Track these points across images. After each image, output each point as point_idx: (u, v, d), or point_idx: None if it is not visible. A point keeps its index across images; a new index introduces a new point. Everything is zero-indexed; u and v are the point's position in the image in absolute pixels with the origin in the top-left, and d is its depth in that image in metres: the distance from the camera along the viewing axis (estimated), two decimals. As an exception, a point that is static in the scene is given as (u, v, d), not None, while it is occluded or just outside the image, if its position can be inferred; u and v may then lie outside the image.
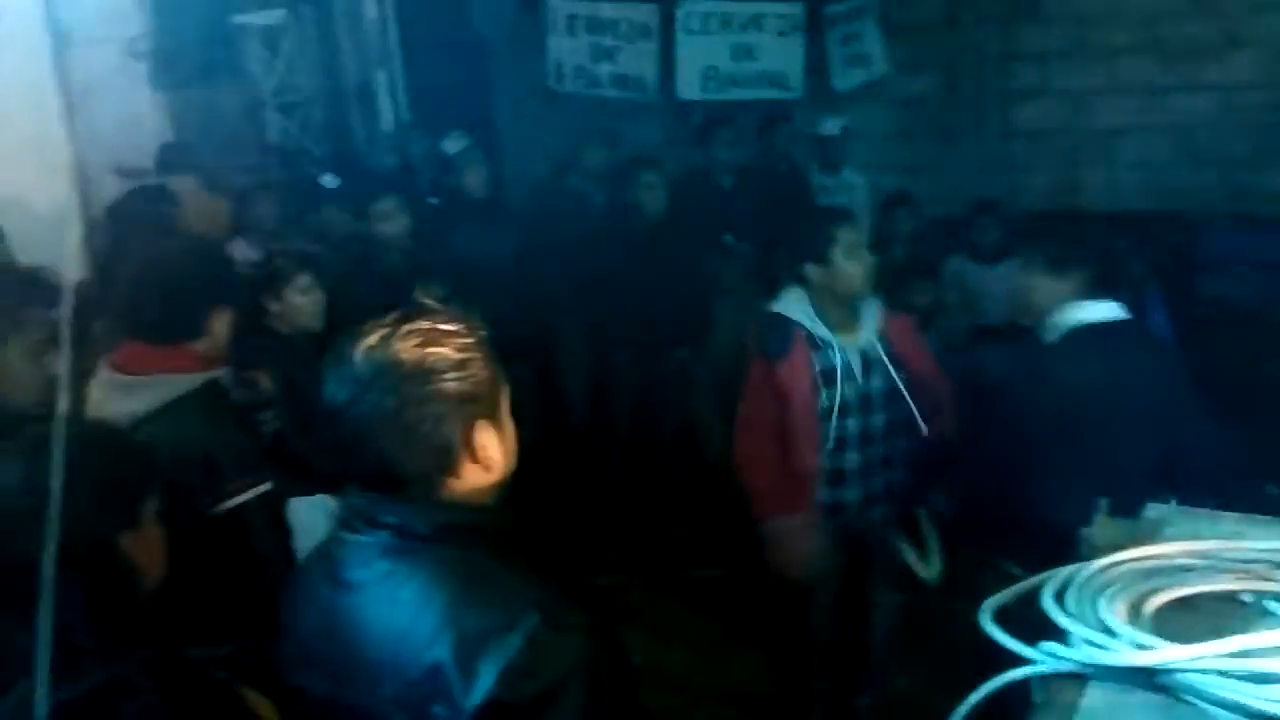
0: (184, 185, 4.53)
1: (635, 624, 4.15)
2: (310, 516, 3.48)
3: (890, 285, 4.95)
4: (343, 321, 3.75)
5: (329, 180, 5.19)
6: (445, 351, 1.53)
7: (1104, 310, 2.92)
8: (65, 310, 2.41)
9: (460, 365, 1.53)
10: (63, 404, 2.60)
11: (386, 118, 6.31)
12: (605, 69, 6.16)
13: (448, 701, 1.41)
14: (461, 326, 1.58)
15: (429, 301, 1.63)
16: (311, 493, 3.53)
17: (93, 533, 1.68)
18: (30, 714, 1.53)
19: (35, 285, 2.35)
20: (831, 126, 5.99)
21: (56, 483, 1.24)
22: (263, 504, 2.72)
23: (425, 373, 1.51)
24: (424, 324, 1.55)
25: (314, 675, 1.56)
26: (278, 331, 3.53)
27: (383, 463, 1.52)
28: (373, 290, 4.17)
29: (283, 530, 2.88)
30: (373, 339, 1.54)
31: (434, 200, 5.52)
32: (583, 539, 4.58)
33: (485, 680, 1.39)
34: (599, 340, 5.11)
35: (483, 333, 1.60)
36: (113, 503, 1.76)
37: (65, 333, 2.33)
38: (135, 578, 1.79)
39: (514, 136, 7.15)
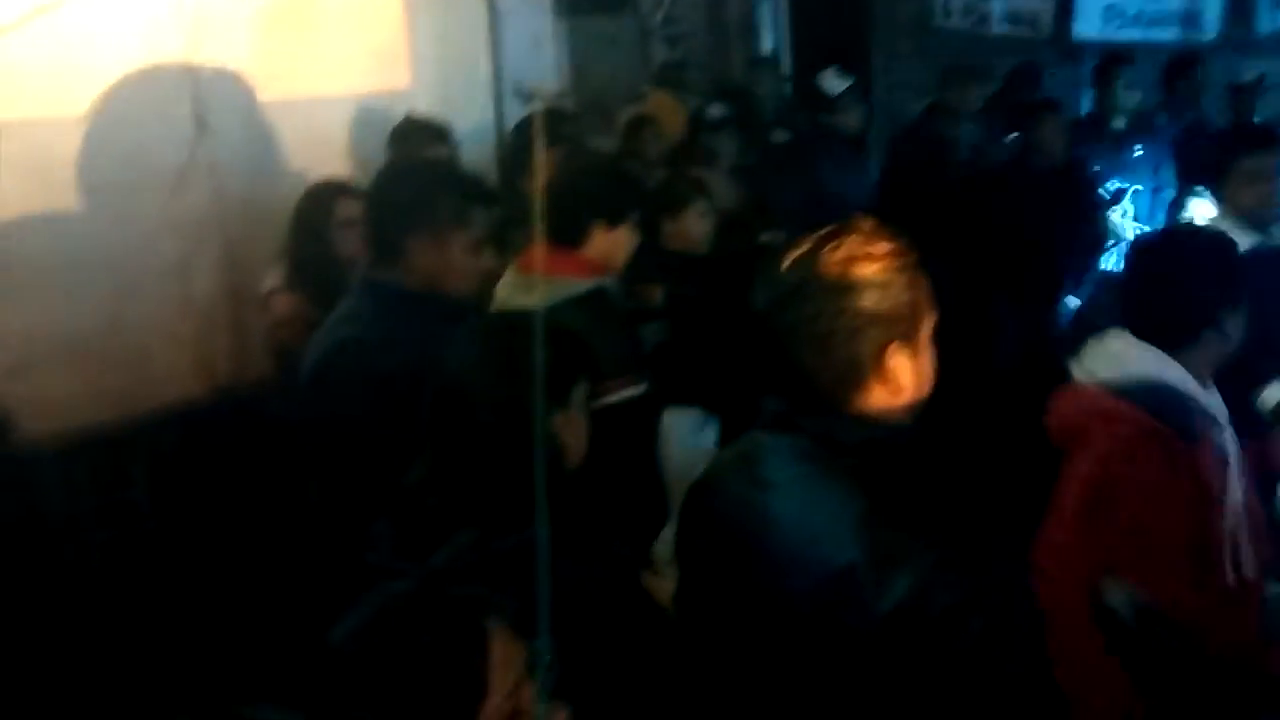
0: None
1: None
2: (680, 427, 3.67)
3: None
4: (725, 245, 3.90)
5: (715, 110, 5.30)
6: (869, 269, 1.55)
7: None
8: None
9: (882, 285, 1.54)
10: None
11: (768, 50, 6.36)
12: (997, 5, 5.91)
13: (857, 604, 1.45)
14: (891, 247, 1.59)
15: (864, 220, 1.64)
16: (684, 405, 3.71)
17: (529, 410, 1.84)
18: (465, 559, 1.73)
19: (477, 186, 2.58)
20: (1247, 72, 5.45)
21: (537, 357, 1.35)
22: (634, 408, 2.86)
23: (844, 287, 1.53)
24: (854, 240, 1.58)
25: (724, 563, 1.66)
26: (668, 250, 3.68)
27: (797, 371, 1.57)
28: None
29: (651, 436, 3.03)
30: (802, 250, 1.58)
31: (781, 136, 5.50)
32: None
33: (898, 590, 1.42)
34: (974, 286, 4.96)
35: (913, 256, 1.60)
36: (548, 382, 1.92)
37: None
38: (560, 456, 1.95)
39: (889, 73, 7.01)
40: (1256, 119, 5.41)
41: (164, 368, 3.40)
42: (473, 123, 4.15)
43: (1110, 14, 5.65)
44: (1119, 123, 5.37)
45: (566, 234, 2.84)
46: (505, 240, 3.24)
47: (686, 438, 3.65)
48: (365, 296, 2.40)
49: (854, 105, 5.11)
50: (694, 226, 3.67)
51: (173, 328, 3.42)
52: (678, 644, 1.79)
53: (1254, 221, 3.21)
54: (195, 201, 3.43)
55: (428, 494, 1.84)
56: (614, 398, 2.74)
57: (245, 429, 3.46)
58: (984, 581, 1.48)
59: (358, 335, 2.32)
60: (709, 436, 3.75)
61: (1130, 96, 5.38)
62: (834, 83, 5.29)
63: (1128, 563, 2.20)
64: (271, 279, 3.54)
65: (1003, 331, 4.81)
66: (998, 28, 5.93)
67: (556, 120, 4.47)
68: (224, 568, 3.51)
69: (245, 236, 3.57)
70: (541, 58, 5.31)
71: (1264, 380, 2.75)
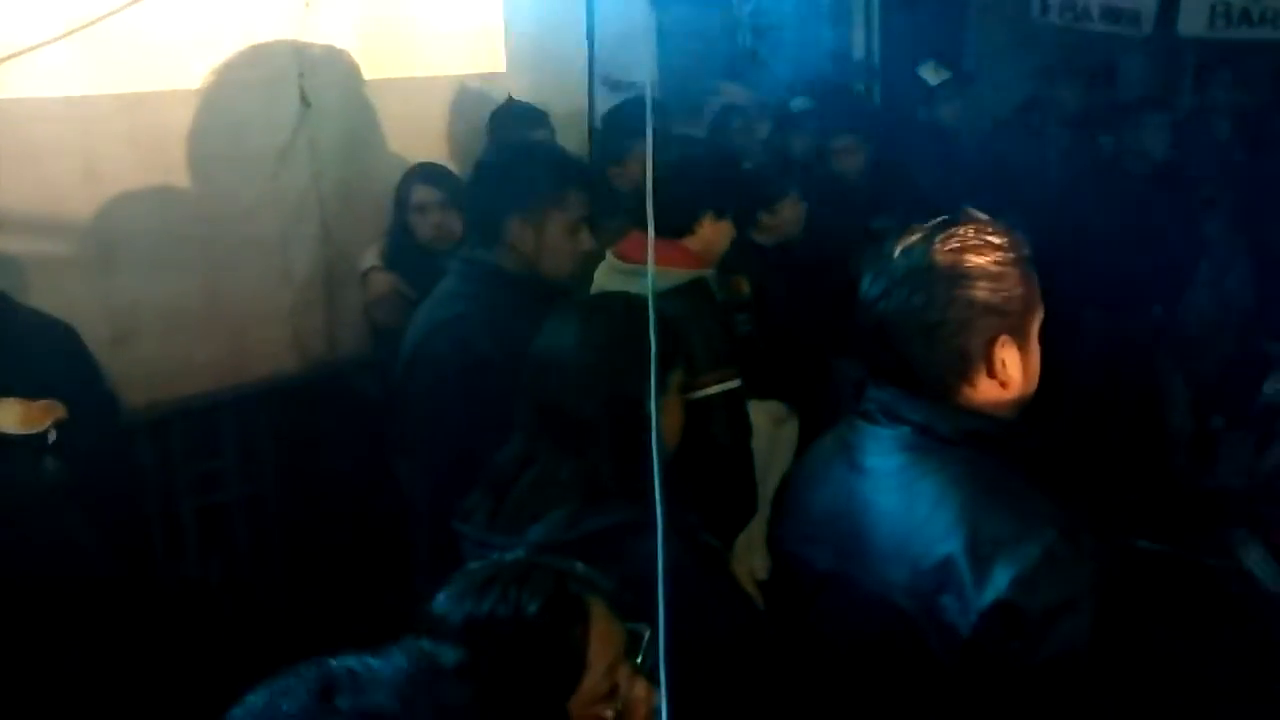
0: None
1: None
2: (762, 420, 3.66)
3: None
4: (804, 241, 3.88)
5: (799, 103, 5.27)
6: (981, 261, 1.54)
7: None
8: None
9: (994, 277, 1.53)
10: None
11: (859, 44, 6.30)
12: (1097, 1, 5.76)
13: (957, 596, 1.44)
14: (1005, 240, 1.58)
15: (976, 211, 1.63)
16: (765, 398, 3.70)
17: (627, 391, 1.85)
18: (559, 536, 1.74)
19: (576, 169, 2.60)
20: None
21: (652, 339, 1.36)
22: (729, 399, 2.87)
23: (956, 277, 1.52)
24: (968, 231, 1.57)
25: (821, 550, 1.66)
26: (756, 241, 3.68)
27: (903, 360, 1.56)
28: (826, 217, 4.23)
29: (745, 425, 3.03)
30: (914, 238, 1.57)
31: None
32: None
33: (999, 582, 1.42)
34: (1064, 290, 4.88)
35: (1026, 251, 1.59)
36: (645, 367, 1.93)
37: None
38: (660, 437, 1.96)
39: (987, 71, 6.90)
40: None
41: (260, 342, 3.47)
42: (565, 109, 4.15)
43: (1217, 10, 5.49)
44: (1223, 125, 5.25)
45: (675, 224, 2.84)
46: (596, 226, 3.26)
47: (768, 431, 3.66)
48: (464, 277, 2.44)
49: (952, 98, 5.05)
50: (789, 218, 3.66)
51: (270, 302, 3.49)
52: (769, 633, 1.79)
53: None
54: (295, 179, 3.49)
55: (523, 470, 1.87)
56: (712, 390, 2.76)
57: (338, 404, 3.53)
58: (1086, 581, 1.46)
59: (459, 313, 2.36)
60: (791, 430, 3.74)
61: (1236, 96, 5.25)
62: (933, 75, 5.23)
63: None
64: (370, 257, 3.61)
65: (1090, 338, 4.73)
66: (1097, 24, 5.79)
67: (645, 110, 4.47)
68: (311, 540, 3.59)
69: (344, 214, 3.63)
70: (631, 47, 5.30)
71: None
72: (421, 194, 3.53)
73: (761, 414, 3.74)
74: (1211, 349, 4.78)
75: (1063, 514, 1.50)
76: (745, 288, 3.33)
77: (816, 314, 3.54)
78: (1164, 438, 4.55)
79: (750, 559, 3.20)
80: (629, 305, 1.92)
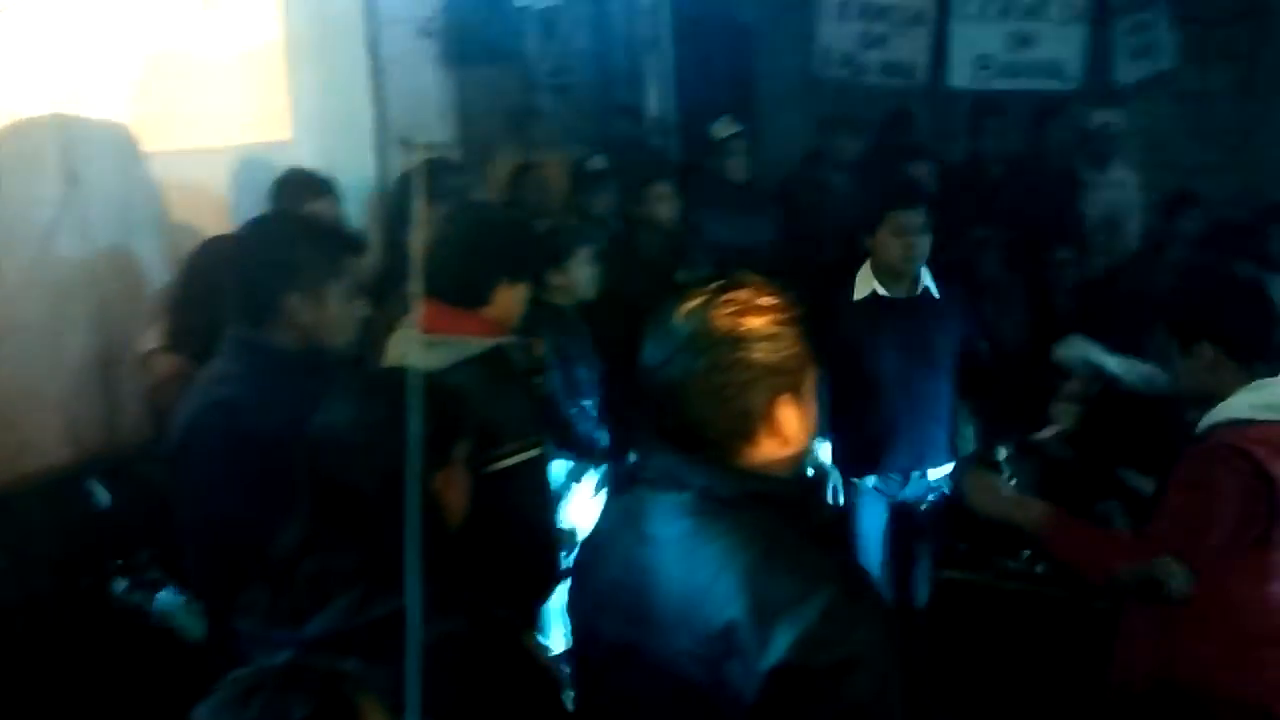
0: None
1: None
2: (560, 480, 3.66)
3: (1168, 295, 4.71)
4: (604, 298, 3.91)
5: (595, 163, 5.35)
6: (758, 322, 1.58)
7: None
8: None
9: (771, 337, 1.58)
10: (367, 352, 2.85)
11: (654, 101, 6.45)
12: (874, 56, 6.08)
13: (742, 661, 1.45)
14: (778, 301, 1.62)
15: (749, 275, 1.67)
16: (566, 457, 3.71)
17: (404, 467, 1.80)
18: (341, 625, 1.68)
19: (348, 237, 2.55)
20: (1098, 119, 5.75)
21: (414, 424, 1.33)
22: (530, 467, 2.85)
23: (736, 340, 1.56)
24: (743, 294, 1.61)
25: (611, 621, 1.65)
26: (550, 302, 3.69)
27: (686, 423, 1.58)
28: (632, 270, 4.29)
29: (544, 494, 3.02)
30: (693, 304, 1.60)
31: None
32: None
33: (780, 644, 1.43)
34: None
35: (798, 311, 1.64)
36: (428, 440, 1.89)
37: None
38: (441, 516, 1.92)
39: (775, 124, 7.17)
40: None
41: (32, 432, 3.26)
42: (356, 174, 4.11)
43: (981, 64, 5.87)
44: (994, 169, 5.59)
45: (470, 294, 2.81)
46: (386, 295, 3.20)
47: (568, 488, 3.66)
48: (235, 357, 2.33)
49: (739, 152, 5.21)
50: (579, 276, 3.68)
51: (40, 391, 3.28)
52: (563, 707, 1.77)
53: None
54: (65, 259, 3.31)
55: (303, 558, 1.79)
56: (513, 459, 2.73)
57: (118, 495, 3.34)
58: (869, 635, 1.49)
59: (229, 396, 2.25)
60: (592, 487, 3.76)
61: (1003, 143, 5.61)
62: (724, 129, 5.40)
63: None
64: (151, 339, 3.44)
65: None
66: (875, 78, 6.10)
67: (442, 172, 4.45)
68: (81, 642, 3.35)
69: (121, 295, 3.46)
70: (427, 108, 5.28)
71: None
72: None
73: (563, 474, 3.75)
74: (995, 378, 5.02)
75: (842, 571, 1.54)
76: (540, 350, 3.33)
77: (620, 372, 3.58)
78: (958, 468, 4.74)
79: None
80: (406, 380, 1.88)
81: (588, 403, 3.78)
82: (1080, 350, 3.48)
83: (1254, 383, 2.50)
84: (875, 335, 3.73)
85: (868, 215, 3.70)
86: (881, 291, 3.73)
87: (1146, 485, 3.88)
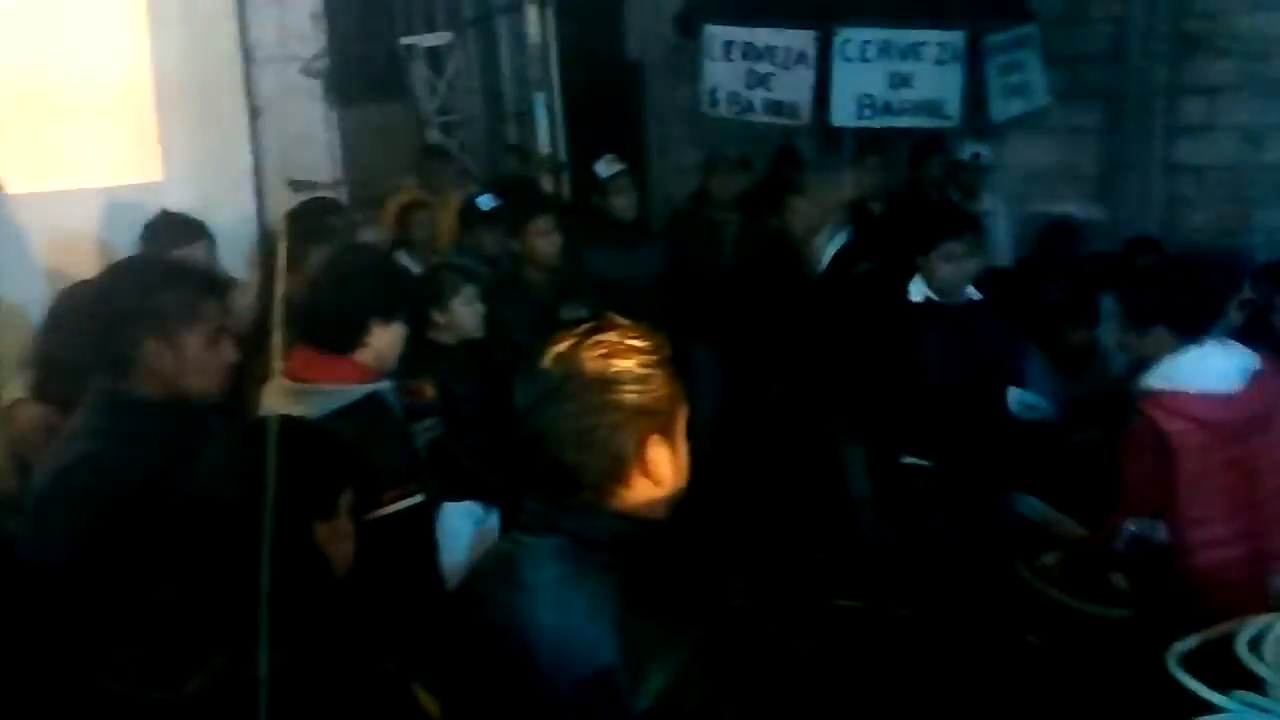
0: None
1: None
2: (457, 522, 3.60)
3: (1046, 321, 4.87)
4: (492, 336, 3.88)
5: (485, 201, 5.33)
6: (628, 364, 1.58)
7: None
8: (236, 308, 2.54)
9: (641, 379, 1.58)
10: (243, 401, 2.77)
11: (544, 139, 6.45)
12: (759, 95, 6.16)
13: (616, 705, 1.45)
14: (647, 343, 1.62)
15: (617, 316, 1.67)
16: (462, 499, 3.65)
17: (291, 519, 1.75)
18: (227, 686, 1.62)
19: (210, 281, 2.47)
20: (968, 152, 5.94)
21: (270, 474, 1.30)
22: (414, 514, 2.80)
23: (607, 382, 1.56)
24: (612, 337, 1.61)
25: (488, 669, 1.62)
26: (437, 342, 3.64)
27: (559, 467, 1.57)
28: (520, 307, 4.26)
29: (429, 540, 2.96)
30: (562, 347, 1.60)
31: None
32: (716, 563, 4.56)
33: (653, 687, 1.44)
34: (738, 367, 5.12)
35: (667, 351, 1.64)
36: (312, 492, 1.84)
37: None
38: (325, 567, 1.87)
39: (664, 161, 7.24)
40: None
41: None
42: (234, 214, 4.01)
43: (862, 104, 6.00)
44: (875, 205, 5.72)
45: (342, 337, 2.76)
46: (263, 342, 3.12)
47: (462, 533, 3.60)
48: (96, 410, 2.23)
49: (626, 190, 5.23)
50: (463, 314, 3.64)
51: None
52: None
53: None
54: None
55: (177, 614, 1.73)
56: (392, 508, 2.68)
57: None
58: (739, 676, 1.50)
59: (90, 452, 2.15)
60: (491, 529, 3.70)
61: (884, 178, 5.75)
62: (606, 168, 5.42)
63: None
64: (15, 389, 3.30)
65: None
66: (761, 115, 6.20)
67: (326, 212, 4.38)
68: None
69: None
70: (313, 148, 5.20)
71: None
72: None
73: (459, 516, 3.69)
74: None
75: (711, 612, 1.54)
76: (430, 392, 3.28)
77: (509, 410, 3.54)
78: (847, 499, 4.80)
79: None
80: (288, 432, 1.82)
81: (477, 443, 3.73)
82: None
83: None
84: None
85: (920, 240, 3.92)
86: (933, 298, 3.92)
87: (1039, 507, 4.03)
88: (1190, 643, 1.34)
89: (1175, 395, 2.94)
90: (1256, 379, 2.96)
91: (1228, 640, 1.34)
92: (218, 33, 4.23)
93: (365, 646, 1.93)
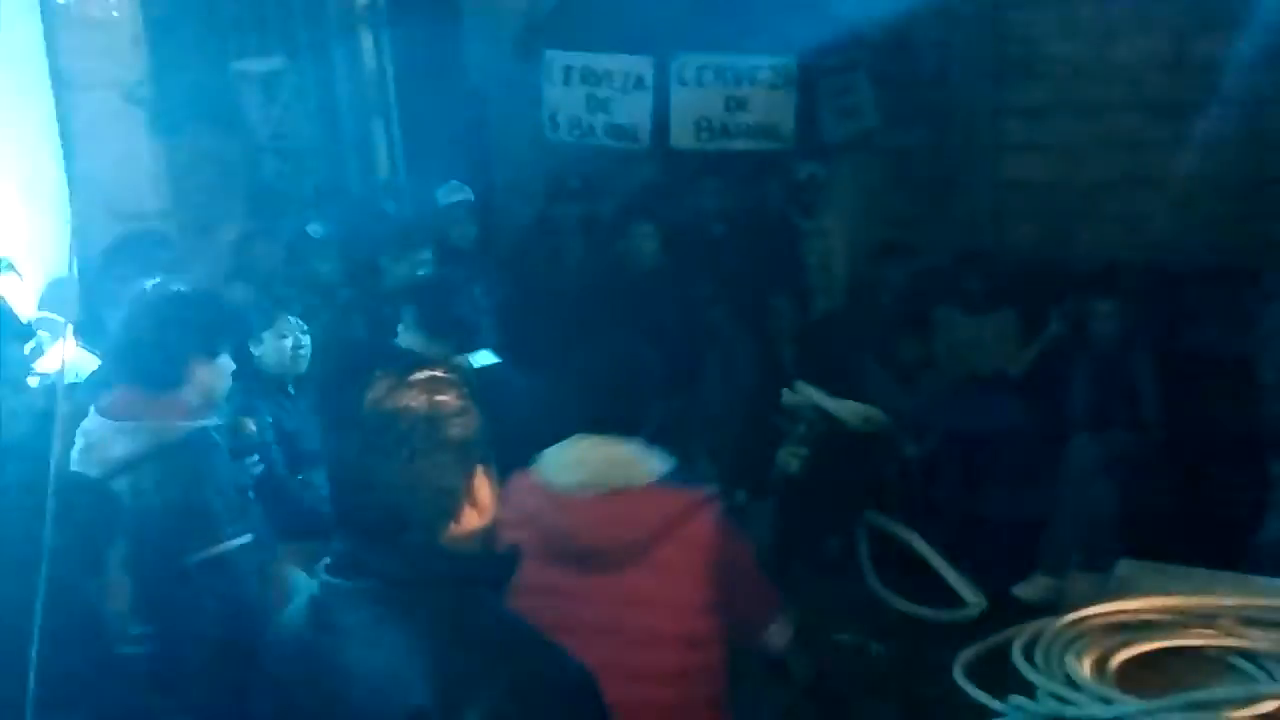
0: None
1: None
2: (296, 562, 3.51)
3: (880, 336, 5.04)
4: (332, 367, 3.81)
5: (315, 229, 5.24)
6: (449, 399, 1.58)
7: None
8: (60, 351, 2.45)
9: (462, 411, 1.59)
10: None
11: (383, 166, 6.36)
12: (600, 119, 6.21)
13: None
14: (457, 374, 1.63)
15: (421, 352, 1.67)
16: (293, 536, 3.56)
17: (58, 577, 1.68)
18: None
19: (10, 321, 2.37)
20: (802, 172, 6.12)
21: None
22: (243, 553, 2.75)
23: (433, 421, 1.55)
24: (425, 374, 1.60)
25: (302, 715, 1.58)
26: (267, 374, 3.56)
27: (387, 510, 1.55)
28: (360, 337, 4.20)
29: (252, 583, 2.89)
30: (379, 391, 1.58)
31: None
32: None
33: (468, 725, 1.41)
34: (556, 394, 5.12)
35: (472, 379, 1.64)
36: (78, 548, 1.78)
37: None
38: (100, 622, 1.81)
39: (508, 186, 7.21)
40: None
41: None
42: (48, 250, 3.83)
43: (700, 127, 6.10)
44: (716, 227, 5.82)
45: (165, 375, 2.69)
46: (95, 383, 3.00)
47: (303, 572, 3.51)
48: None
49: (465, 217, 5.20)
50: (274, 349, 3.57)
51: None
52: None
53: None
54: None
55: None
56: (220, 549, 2.63)
57: None
58: (561, 708, 1.50)
59: None
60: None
61: (722, 200, 5.86)
62: (447, 195, 5.39)
63: None
64: None
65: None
66: (602, 139, 6.24)
67: (149, 244, 4.24)
68: None
69: None
70: (137, 177, 5.02)
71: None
72: None
73: (303, 554, 3.60)
74: (728, 427, 5.19)
75: (531, 642, 1.53)
76: (252, 427, 3.21)
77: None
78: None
79: None
80: (54, 483, 1.75)
81: (314, 476, 3.65)
82: (805, 396, 3.65)
83: None
84: None
85: None
86: None
87: (881, 520, 4.13)
88: (972, 651, 1.40)
89: None
90: None
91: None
92: (27, 61, 4.05)
93: (179, 699, 1.87)
